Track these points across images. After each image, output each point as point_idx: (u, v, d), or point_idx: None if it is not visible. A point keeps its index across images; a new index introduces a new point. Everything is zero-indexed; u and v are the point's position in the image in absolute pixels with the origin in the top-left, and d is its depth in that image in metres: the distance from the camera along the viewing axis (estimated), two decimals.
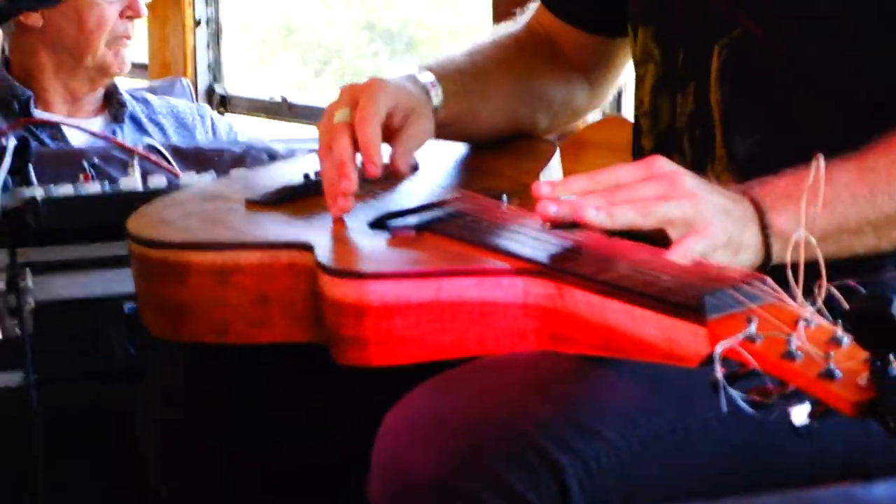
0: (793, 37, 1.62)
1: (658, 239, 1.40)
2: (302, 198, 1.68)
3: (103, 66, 2.99)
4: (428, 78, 1.76)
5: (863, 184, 1.48)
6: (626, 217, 1.38)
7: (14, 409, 2.06)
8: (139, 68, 4.33)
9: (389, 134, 1.67)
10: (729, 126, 1.67)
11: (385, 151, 1.67)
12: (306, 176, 1.73)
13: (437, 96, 1.75)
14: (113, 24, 2.97)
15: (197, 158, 2.55)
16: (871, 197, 1.49)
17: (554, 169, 1.80)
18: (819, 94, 1.62)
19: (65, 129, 2.92)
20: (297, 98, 4.03)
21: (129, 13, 3.00)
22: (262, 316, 1.53)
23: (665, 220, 1.39)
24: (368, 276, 1.42)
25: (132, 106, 3.07)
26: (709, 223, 1.39)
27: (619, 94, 2.61)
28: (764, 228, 1.43)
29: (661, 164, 1.43)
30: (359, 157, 1.62)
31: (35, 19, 2.95)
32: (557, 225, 1.41)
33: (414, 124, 1.69)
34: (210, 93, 4.21)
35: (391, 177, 1.68)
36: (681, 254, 1.36)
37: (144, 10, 3.03)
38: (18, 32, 3.00)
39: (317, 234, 1.54)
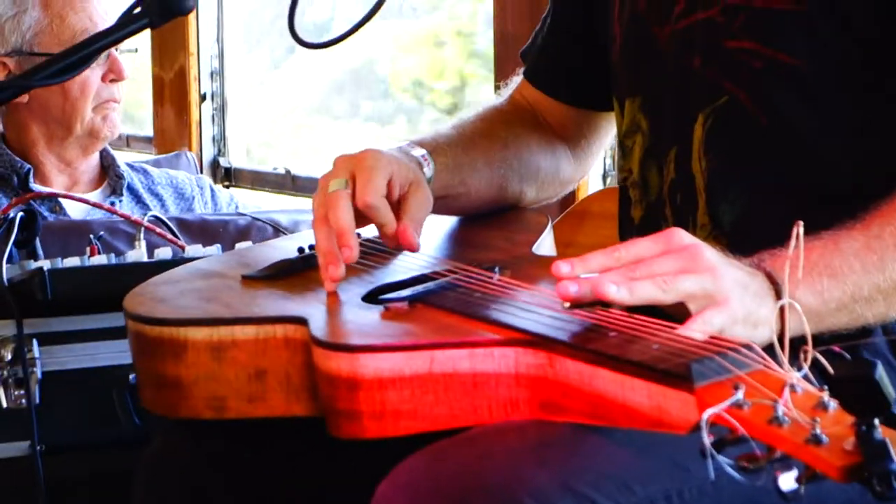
0: (779, 105, 1.64)
1: (677, 313, 1.40)
2: (297, 272, 1.69)
3: (92, 131, 2.97)
4: (420, 152, 1.77)
5: (871, 252, 1.49)
6: (647, 292, 1.38)
7: (20, 479, 2.06)
8: (144, 142, 4.38)
9: (391, 201, 1.68)
10: (713, 194, 1.68)
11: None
12: (301, 249, 1.75)
13: (429, 171, 1.76)
14: (97, 88, 2.96)
15: (202, 230, 2.56)
16: (881, 265, 1.49)
17: (546, 241, 1.82)
18: (805, 162, 1.64)
19: (63, 202, 2.92)
20: (301, 170, 4.06)
21: (111, 76, 2.97)
22: (258, 391, 1.54)
23: (685, 294, 1.39)
24: (361, 348, 1.43)
25: (130, 177, 3.06)
26: (728, 297, 1.39)
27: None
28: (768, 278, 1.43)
29: (681, 236, 1.43)
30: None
31: (20, 96, 2.94)
32: (577, 305, 1.41)
33: (416, 194, 1.70)
34: (215, 165, 4.24)
35: (404, 250, 1.68)
36: (700, 327, 1.36)
37: (127, 73, 3.00)
38: (9, 109, 2.99)
39: (311, 308, 1.55)
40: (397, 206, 1.69)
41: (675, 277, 1.39)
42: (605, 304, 1.40)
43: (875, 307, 1.49)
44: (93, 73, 2.95)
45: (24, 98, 2.95)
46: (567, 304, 1.42)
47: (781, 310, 1.40)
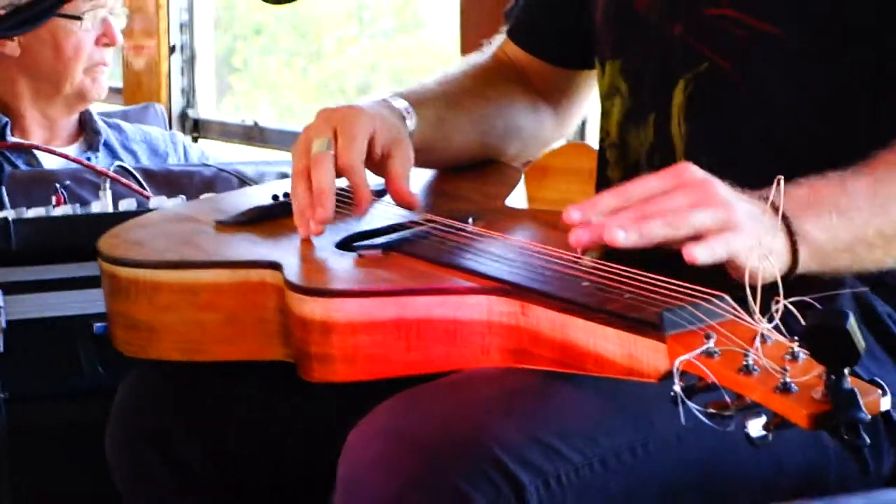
0: (759, 74, 1.64)
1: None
2: (271, 219, 1.70)
3: (81, 92, 3.01)
4: (402, 104, 1.77)
5: (876, 195, 1.48)
6: (658, 232, 1.36)
7: None
8: (114, 93, 4.36)
9: (374, 162, 1.69)
10: (692, 159, 1.68)
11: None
12: (275, 197, 1.75)
13: (412, 124, 1.76)
14: (90, 51, 2.99)
15: (167, 181, 2.56)
16: (885, 208, 1.48)
17: (519, 194, 1.82)
18: (782, 132, 1.64)
19: (39, 154, 2.93)
20: (270, 122, 4.05)
21: (105, 40, 3.01)
22: (231, 334, 1.55)
23: (699, 228, 1.36)
24: (335, 293, 1.44)
25: (106, 133, 3.08)
26: (743, 226, 1.37)
27: (584, 123, 2.63)
28: (792, 235, 1.42)
29: (692, 171, 1.41)
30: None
31: (12, 48, 2.96)
32: (591, 251, 1.41)
33: (399, 149, 1.70)
34: (183, 118, 4.23)
35: (400, 205, 1.68)
36: (719, 246, 1.34)
37: (120, 38, 3.05)
38: None
39: (285, 254, 1.56)
40: (381, 164, 1.69)
41: (687, 212, 1.36)
42: (618, 254, 1.38)
43: (875, 252, 1.48)
44: (87, 35, 2.98)
45: (16, 52, 2.97)
46: (582, 253, 1.41)
47: (794, 243, 1.41)
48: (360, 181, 1.65)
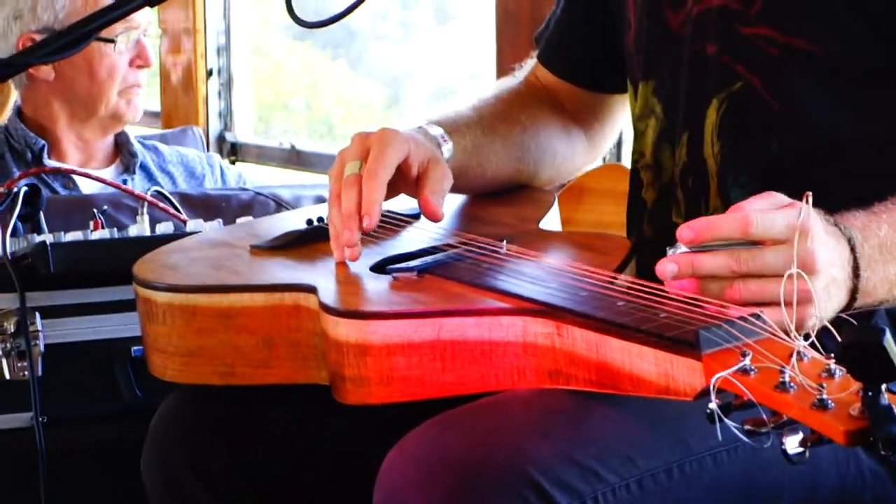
0: (793, 92, 1.64)
1: None
2: (305, 243, 1.70)
3: (116, 114, 3.02)
4: (438, 131, 1.77)
5: None
6: (751, 299, 1.36)
7: (22, 450, 2.07)
8: (151, 116, 4.39)
9: (410, 183, 1.68)
10: (725, 178, 1.69)
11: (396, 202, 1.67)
12: (309, 221, 1.75)
13: (448, 150, 1.77)
14: (124, 73, 2.99)
15: (204, 205, 2.57)
16: None
17: (553, 217, 1.82)
18: (816, 149, 1.64)
19: (76, 178, 2.94)
20: (306, 146, 4.07)
21: (138, 62, 3.01)
22: (266, 357, 1.55)
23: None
24: (370, 315, 1.44)
25: (143, 155, 3.09)
26: (816, 300, 1.36)
27: (620, 143, 2.63)
28: (854, 291, 1.43)
29: (812, 233, 1.38)
30: None
31: (46, 72, 2.97)
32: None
33: (436, 169, 1.70)
34: (221, 141, 4.26)
35: (427, 217, 1.68)
36: (787, 319, 1.32)
37: (154, 59, 3.06)
38: (30, 85, 3.02)
39: (320, 277, 1.56)
40: (417, 182, 1.69)
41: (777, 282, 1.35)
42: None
43: None
44: (121, 58, 2.99)
45: (51, 75, 2.98)
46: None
47: (853, 300, 1.42)
48: (372, 189, 1.61)
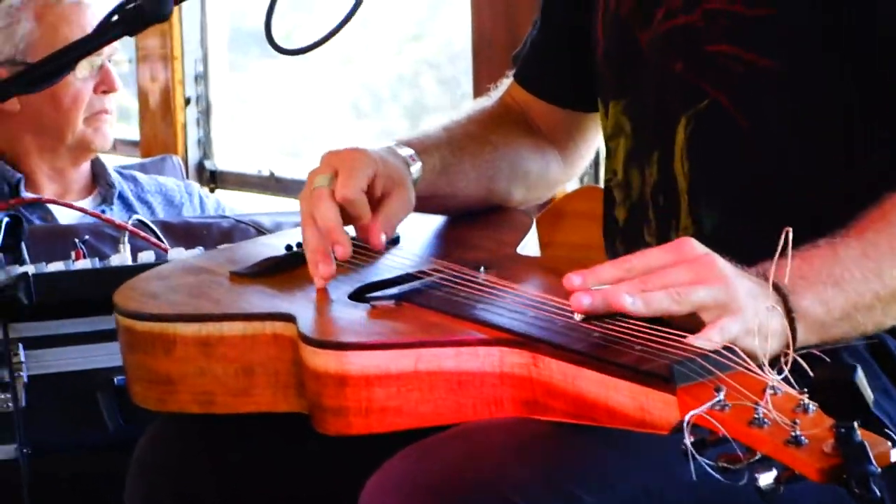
0: (759, 109, 1.66)
1: (688, 324, 1.39)
2: (285, 270, 1.71)
3: (83, 142, 2.99)
4: (407, 152, 1.78)
5: (868, 259, 1.48)
6: (661, 304, 1.37)
7: (6, 481, 2.07)
8: (130, 145, 4.39)
9: (371, 201, 1.69)
10: (696, 196, 1.70)
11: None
12: (288, 247, 1.76)
13: (416, 170, 1.77)
14: (89, 99, 2.97)
15: (185, 233, 2.57)
16: (878, 272, 1.48)
17: (531, 240, 1.83)
18: (784, 166, 1.65)
19: (53, 209, 2.93)
20: (286, 172, 4.08)
21: (103, 88, 2.99)
22: (246, 386, 1.56)
23: (699, 304, 1.38)
24: (349, 346, 1.45)
25: (120, 185, 3.07)
26: (742, 307, 1.38)
27: (597, 163, 2.64)
28: (789, 313, 1.42)
29: (692, 246, 1.42)
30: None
31: (12, 104, 2.93)
32: (590, 316, 1.41)
33: (397, 195, 1.71)
34: (200, 169, 4.26)
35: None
36: (716, 335, 1.35)
37: (119, 84, 3.02)
38: (0, 118, 3.01)
39: (299, 306, 1.57)
40: (377, 203, 1.70)
41: (689, 288, 1.38)
42: (619, 316, 1.40)
43: (874, 315, 1.49)
44: (85, 85, 2.96)
45: (16, 107, 2.96)
46: (580, 317, 1.42)
47: (791, 321, 1.41)
48: (363, 212, 1.65)
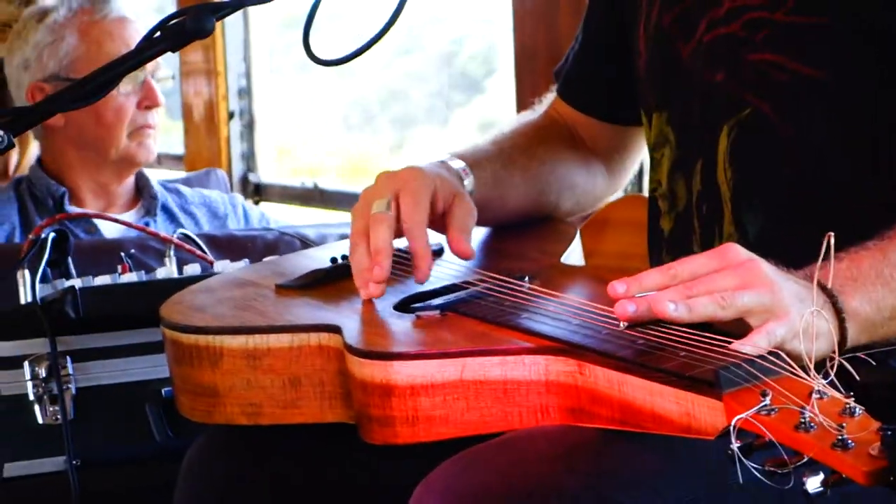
0: (802, 116, 1.66)
1: (736, 329, 1.39)
2: (330, 282, 1.72)
3: (127, 157, 3.00)
4: (459, 164, 1.80)
5: None
6: (706, 310, 1.38)
7: (55, 493, 2.09)
8: (175, 160, 4.42)
9: (436, 219, 1.71)
10: (739, 204, 1.70)
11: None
12: (333, 260, 1.77)
13: (469, 183, 1.80)
14: (132, 115, 2.98)
15: (230, 245, 2.58)
16: None
17: (575, 250, 1.84)
18: (827, 173, 1.65)
19: (98, 222, 2.95)
20: (329, 184, 4.10)
21: (146, 103, 3.00)
22: (292, 398, 1.57)
23: (745, 309, 1.38)
24: (395, 356, 1.46)
25: (164, 197, 3.09)
26: (788, 310, 1.38)
27: (640, 173, 2.64)
28: (839, 314, 1.43)
29: (737, 252, 1.42)
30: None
31: (56, 119, 2.95)
32: (635, 324, 1.41)
33: (458, 206, 1.72)
34: (244, 182, 4.29)
35: (458, 256, 1.71)
36: (763, 339, 1.35)
37: (162, 99, 3.04)
38: (45, 134, 3.03)
39: (344, 317, 1.58)
40: (443, 218, 1.72)
41: (734, 293, 1.38)
42: (664, 323, 1.40)
43: None
44: (128, 100, 2.97)
45: (60, 122, 2.97)
46: (625, 324, 1.42)
47: (842, 321, 1.42)
48: (422, 247, 1.66)
